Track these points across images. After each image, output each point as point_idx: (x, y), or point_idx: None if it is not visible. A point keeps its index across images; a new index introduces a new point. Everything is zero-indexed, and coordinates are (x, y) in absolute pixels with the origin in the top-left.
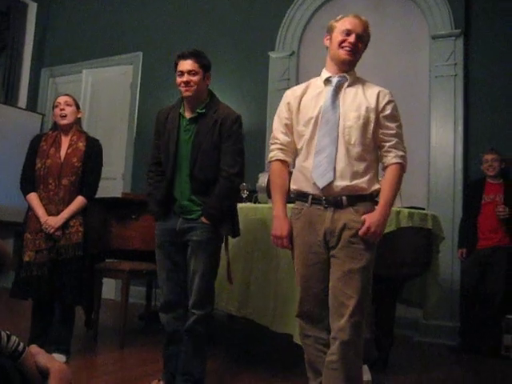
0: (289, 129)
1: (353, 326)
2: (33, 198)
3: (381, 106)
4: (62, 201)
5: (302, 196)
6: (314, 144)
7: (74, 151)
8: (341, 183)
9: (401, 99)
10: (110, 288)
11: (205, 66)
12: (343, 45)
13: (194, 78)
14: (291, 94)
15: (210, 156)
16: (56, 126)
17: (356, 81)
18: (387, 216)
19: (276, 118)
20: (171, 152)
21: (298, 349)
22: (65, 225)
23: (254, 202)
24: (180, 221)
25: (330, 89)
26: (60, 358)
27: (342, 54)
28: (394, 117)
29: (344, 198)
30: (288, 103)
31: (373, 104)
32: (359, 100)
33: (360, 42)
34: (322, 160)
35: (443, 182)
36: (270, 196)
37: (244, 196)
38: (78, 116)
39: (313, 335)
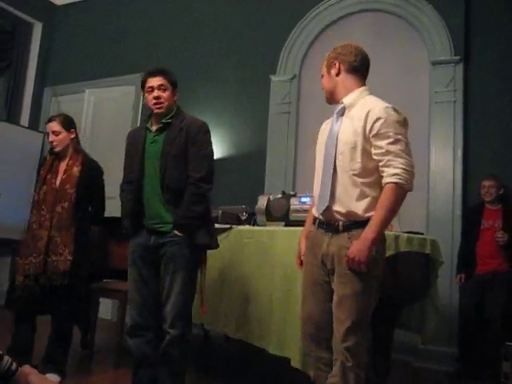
0: None
1: (348, 350)
2: None
3: (368, 126)
4: (55, 227)
5: (313, 220)
6: (319, 174)
7: (67, 177)
8: (337, 208)
9: None
10: (106, 308)
11: (173, 83)
12: None
13: (165, 94)
14: (320, 129)
15: (179, 163)
16: (52, 150)
17: (357, 103)
18: (372, 238)
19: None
20: (136, 165)
21: (295, 373)
22: (54, 252)
23: (253, 225)
24: (153, 237)
25: (333, 116)
26: (54, 377)
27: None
28: (382, 134)
29: (340, 223)
30: (319, 134)
31: (360, 127)
32: (350, 124)
33: (322, 78)
34: (322, 189)
35: (442, 207)
36: (269, 219)
37: (243, 218)
38: (72, 137)
39: (314, 355)
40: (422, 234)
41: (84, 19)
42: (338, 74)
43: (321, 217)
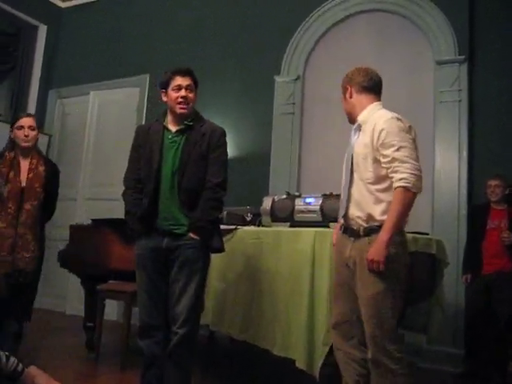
0: None
1: (375, 346)
2: None
3: (375, 138)
4: (24, 224)
5: (341, 225)
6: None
7: (35, 176)
8: (357, 214)
9: None
10: (112, 309)
11: (197, 84)
12: None
13: (191, 95)
14: None
15: (197, 166)
16: (13, 146)
17: (369, 119)
18: (386, 240)
19: None
20: (155, 164)
21: (301, 374)
22: (24, 249)
23: (258, 226)
24: (167, 239)
25: (352, 132)
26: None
27: None
28: (388, 143)
29: (361, 228)
30: None
31: (368, 140)
32: (362, 138)
33: (342, 98)
34: (343, 197)
35: (448, 207)
36: (274, 219)
37: (248, 219)
38: (37, 137)
39: (343, 349)
40: (428, 234)
41: (88, 22)
42: (351, 97)
43: (344, 223)
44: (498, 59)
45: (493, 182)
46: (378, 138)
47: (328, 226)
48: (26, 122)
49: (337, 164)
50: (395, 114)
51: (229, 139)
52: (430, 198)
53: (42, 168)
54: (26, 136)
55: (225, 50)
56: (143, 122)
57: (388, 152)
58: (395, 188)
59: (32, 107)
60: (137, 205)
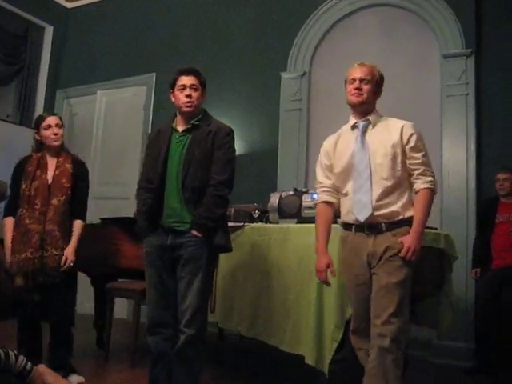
0: (330, 173)
1: (389, 333)
2: (9, 222)
3: (405, 139)
4: (52, 220)
5: (347, 226)
6: (352, 183)
7: (62, 172)
8: (378, 213)
9: (412, 118)
10: (121, 307)
11: (203, 84)
12: (350, 92)
13: (195, 94)
14: (327, 143)
15: (202, 165)
16: (40, 147)
17: (380, 121)
18: (421, 234)
19: (318, 165)
20: (160, 164)
21: (310, 370)
22: (53, 246)
23: (266, 222)
24: (171, 236)
25: (358, 133)
26: (78, 379)
27: (350, 98)
28: (418, 147)
29: (383, 224)
30: (327, 151)
31: (397, 139)
32: (385, 138)
33: (364, 84)
34: (360, 197)
35: (456, 201)
36: (281, 216)
37: (255, 216)
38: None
39: (364, 348)
40: (436, 228)
41: (94, 22)
42: (374, 92)
43: (357, 222)
44: (505, 52)
45: (501, 176)
46: (409, 141)
47: (336, 222)
48: (52, 120)
49: None
50: None
51: (236, 136)
52: (439, 193)
53: (69, 165)
54: (55, 134)
55: (231, 47)
56: (150, 121)
57: (418, 155)
58: (423, 188)
59: (40, 108)
60: (145, 204)
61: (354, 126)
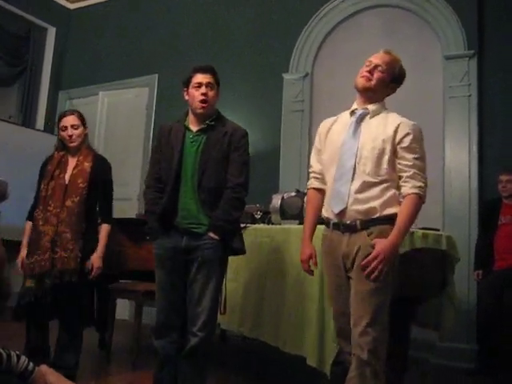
0: (321, 157)
1: (365, 345)
2: (27, 226)
3: (398, 137)
4: (64, 222)
5: (327, 222)
6: (333, 171)
7: (79, 172)
8: (355, 207)
9: (415, 119)
10: (123, 309)
11: (218, 82)
12: (361, 73)
13: (211, 93)
14: (323, 125)
15: (218, 166)
16: (63, 145)
17: (381, 112)
18: (398, 243)
19: (313, 147)
20: (175, 163)
21: (312, 371)
22: (63, 248)
23: (268, 223)
24: (185, 238)
25: (353, 120)
26: None
27: (357, 80)
28: (411, 149)
29: (358, 221)
30: (320, 133)
31: (389, 135)
32: (378, 132)
33: (378, 70)
34: (338, 187)
35: (458, 203)
36: (283, 217)
37: (257, 217)
38: (86, 133)
39: (346, 351)
40: (438, 230)
41: (97, 23)
42: (384, 80)
43: (335, 219)
44: (507, 53)
45: (504, 177)
46: (402, 140)
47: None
48: (68, 121)
49: None
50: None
51: None
52: (441, 194)
53: (88, 164)
54: (69, 136)
55: (232, 48)
56: (152, 122)
57: (410, 156)
58: (410, 193)
59: (42, 109)
60: (156, 204)
61: (352, 112)
